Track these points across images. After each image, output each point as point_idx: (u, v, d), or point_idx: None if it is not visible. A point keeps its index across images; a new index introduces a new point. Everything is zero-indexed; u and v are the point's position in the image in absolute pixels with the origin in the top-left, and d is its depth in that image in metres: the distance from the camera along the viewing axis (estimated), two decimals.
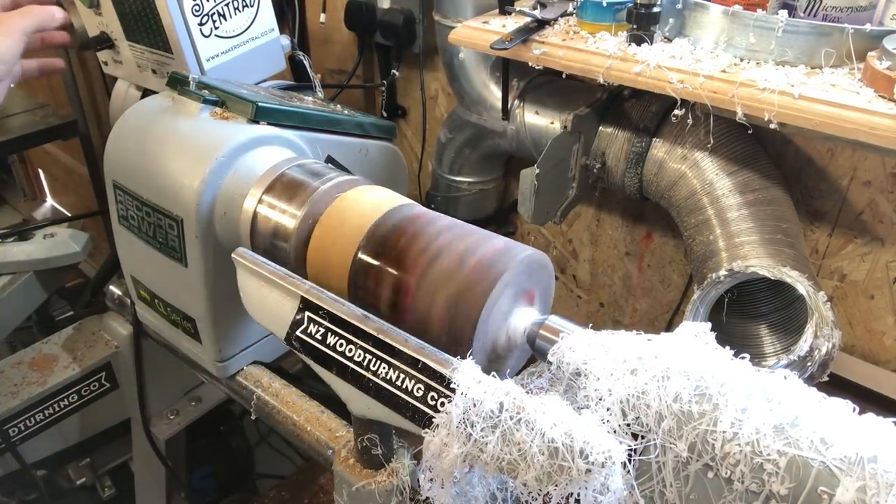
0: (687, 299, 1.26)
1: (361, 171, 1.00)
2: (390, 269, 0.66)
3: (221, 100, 0.93)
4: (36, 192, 3.14)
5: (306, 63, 1.26)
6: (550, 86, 1.16)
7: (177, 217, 0.87)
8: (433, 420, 0.53)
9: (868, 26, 0.79)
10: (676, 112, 0.89)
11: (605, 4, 0.93)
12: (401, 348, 0.58)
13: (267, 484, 1.97)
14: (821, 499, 0.43)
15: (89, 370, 1.35)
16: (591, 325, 0.58)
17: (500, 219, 1.47)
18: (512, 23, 1.03)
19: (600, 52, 0.90)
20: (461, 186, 1.36)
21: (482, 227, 0.69)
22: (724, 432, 0.47)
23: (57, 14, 0.90)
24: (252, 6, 1.14)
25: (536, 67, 0.96)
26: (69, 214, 2.76)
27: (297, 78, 1.29)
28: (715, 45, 0.86)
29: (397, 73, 1.43)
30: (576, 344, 0.55)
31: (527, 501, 0.50)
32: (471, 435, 0.50)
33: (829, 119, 0.74)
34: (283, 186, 0.80)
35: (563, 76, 0.96)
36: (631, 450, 0.50)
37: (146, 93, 1.27)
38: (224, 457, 1.90)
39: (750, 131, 0.93)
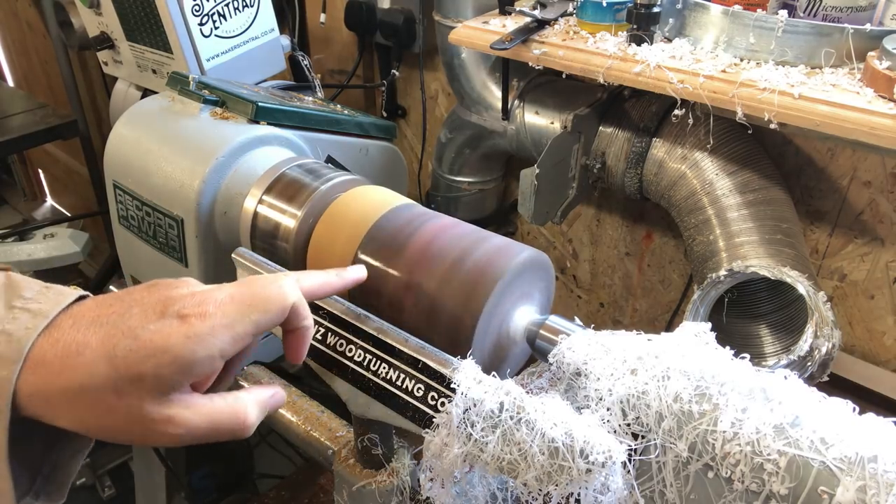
0: (687, 299, 1.26)
1: (361, 171, 1.00)
2: (390, 269, 0.66)
3: (221, 100, 0.93)
4: (36, 192, 3.14)
5: (306, 63, 1.26)
6: (550, 86, 1.16)
7: (177, 217, 0.87)
8: (433, 420, 0.53)
9: (868, 26, 0.79)
10: (677, 112, 0.89)
11: (605, 4, 0.93)
12: (401, 348, 0.58)
13: (267, 484, 1.97)
14: (821, 499, 0.44)
15: None
16: (591, 325, 0.58)
17: (500, 219, 1.47)
18: (512, 23, 1.03)
19: (600, 52, 0.90)
20: (461, 186, 1.36)
21: (482, 227, 0.69)
22: (724, 432, 0.47)
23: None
24: (252, 6, 1.14)
25: (536, 67, 0.96)
26: (69, 214, 2.77)
27: (297, 78, 1.29)
28: (715, 45, 0.86)
29: (397, 73, 1.43)
30: (576, 344, 0.55)
31: (527, 501, 0.50)
32: (471, 435, 0.50)
33: (829, 119, 0.74)
34: (284, 186, 0.80)
35: (564, 76, 0.96)
36: (631, 450, 0.50)
37: (146, 93, 1.27)
38: (224, 457, 1.90)
39: (750, 131, 0.93)
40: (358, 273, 0.59)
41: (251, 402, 0.46)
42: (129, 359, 0.40)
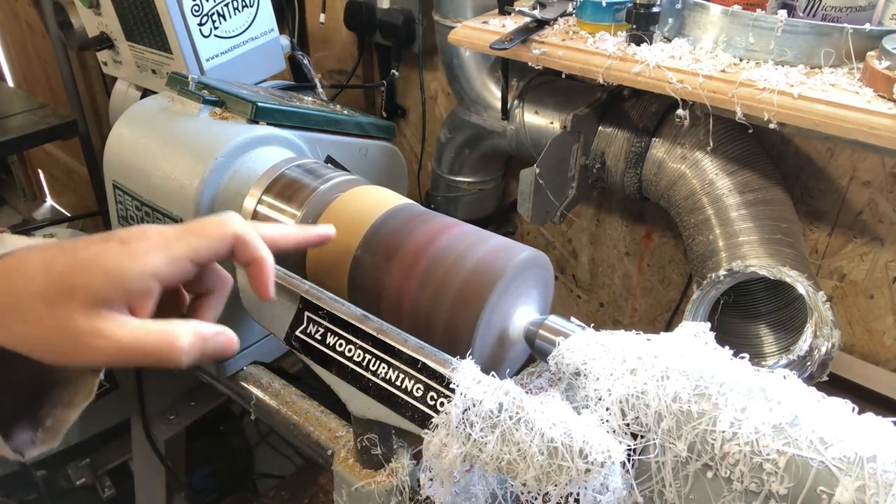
0: (687, 299, 1.26)
1: (361, 171, 1.00)
2: (389, 269, 0.66)
3: (221, 100, 0.93)
4: (36, 193, 3.14)
5: (307, 63, 1.26)
6: (550, 86, 1.16)
7: (176, 217, 0.87)
8: (432, 420, 0.53)
9: (867, 26, 0.79)
10: (680, 112, 0.89)
11: (604, 4, 0.93)
12: (400, 348, 0.58)
13: (267, 484, 1.97)
14: (820, 498, 0.44)
15: None
16: (591, 325, 0.58)
17: (500, 219, 1.47)
18: (511, 23, 1.03)
19: (600, 52, 0.90)
20: (461, 186, 1.36)
21: (482, 227, 0.69)
22: (723, 432, 0.47)
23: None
24: (252, 6, 1.14)
25: (536, 67, 0.96)
26: (69, 214, 2.76)
27: (297, 78, 1.29)
28: (714, 45, 0.86)
29: (397, 73, 1.43)
30: (575, 344, 0.55)
31: (526, 501, 0.50)
32: (470, 435, 0.50)
33: (829, 119, 0.74)
34: (283, 186, 0.80)
35: (563, 76, 0.96)
36: (630, 449, 0.50)
37: (146, 93, 1.27)
38: (224, 457, 1.90)
39: (750, 131, 0.93)
40: (324, 230, 0.59)
41: (185, 329, 0.45)
42: (64, 272, 0.42)
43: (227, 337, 0.47)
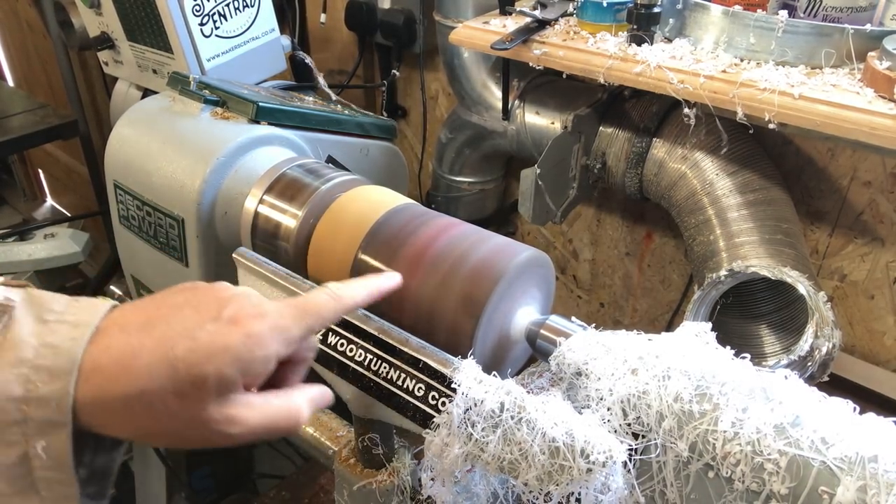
0: (687, 299, 1.26)
1: (362, 171, 1.00)
2: (391, 269, 0.66)
3: (222, 100, 0.93)
4: (36, 192, 3.15)
5: (309, 63, 1.26)
6: (551, 86, 1.16)
7: (178, 217, 0.87)
8: (434, 420, 0.53)
9: (868, 26, 0.79)
10: (687, 112, 0.89)
11: (605, 5, 0.93)
12: (402, 348, 0.58)
13: (267, 484, 1.97)
14: (821, 498, 0.44)
15: None
16: (591, 325, 0.58)
17: (501, 219, 1.47)
18: (512, 23, 1.03)
19: (601, 53, 0.90)
20: (462, 186, 1.36)
21: (483, 228, 0.69)
22: (724, 432, 0.47)
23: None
24: (252, 6, 1.14)
25: (537, 68, 0.96)
26: (69, 214, 2.77)
27: (298, 78, 1.29)
28: (715, 46, 0.86)
29: (398, 74, 1.43)
30: (576, 344, 0.55)
31: (528, 501, 0.50)
32: (472, 434, 0.50)
33: (830, 119, 0.74)
34: (284, 186, 0.80)
35: (564, 76, 0.96)
36: (632, 449, 0.50)
37: (147, 93, 1.27)
38: (224, 457, 1.90)
39: (751, 131, 0.93)
40: (395, 280, 0.57)
41: (304, 401, 0.46)
42: (189, 360, 0.40)
43: (329, 395, 0.49)
